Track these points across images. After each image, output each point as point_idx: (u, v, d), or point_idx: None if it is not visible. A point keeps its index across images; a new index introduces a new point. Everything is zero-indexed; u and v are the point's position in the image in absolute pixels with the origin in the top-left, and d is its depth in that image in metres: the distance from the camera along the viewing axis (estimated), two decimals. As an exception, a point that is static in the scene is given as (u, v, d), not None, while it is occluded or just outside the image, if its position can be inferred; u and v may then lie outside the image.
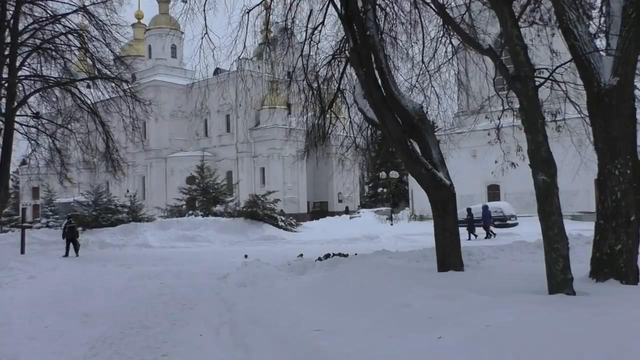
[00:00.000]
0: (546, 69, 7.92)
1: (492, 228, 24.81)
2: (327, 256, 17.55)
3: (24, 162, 31.95)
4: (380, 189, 66.88)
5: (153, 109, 21.03)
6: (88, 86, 24.97)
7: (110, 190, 53.77)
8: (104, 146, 20.97)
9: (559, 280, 7.25)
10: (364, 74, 10.71)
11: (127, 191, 41.32)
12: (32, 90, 19.96)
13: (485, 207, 25.47)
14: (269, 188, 40.03)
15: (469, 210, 25.57)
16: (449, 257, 10.77)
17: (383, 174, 39.81)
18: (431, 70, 15.05)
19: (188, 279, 13.08)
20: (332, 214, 49.50)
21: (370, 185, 73.72)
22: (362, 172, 73.02)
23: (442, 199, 11.00)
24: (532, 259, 12.27)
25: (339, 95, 16.64)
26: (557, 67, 7.87)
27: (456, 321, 4.76)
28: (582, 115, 8.90)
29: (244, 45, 12.71)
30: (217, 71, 51.60)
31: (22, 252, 21.37)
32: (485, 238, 24.27)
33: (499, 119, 14.80)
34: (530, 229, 27.31)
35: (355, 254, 17.55)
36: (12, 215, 41.40)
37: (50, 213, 33.55)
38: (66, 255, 21.42)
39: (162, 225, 28.13)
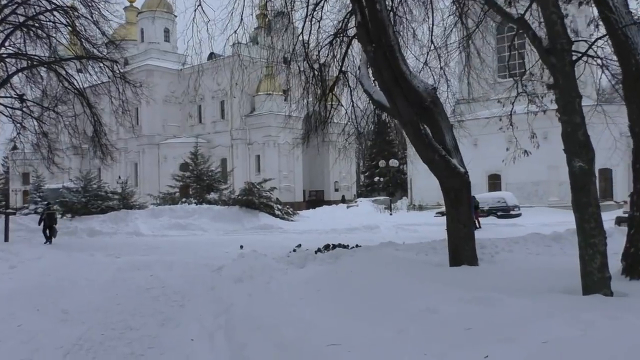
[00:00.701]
0: (585, 40, 7.04)
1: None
2: (326, 247, 16.79)
3: (15, 147, 30.78)
4: (377, 178, 66.03)
5: (144, 92, 20.00)
6: (79, 70, 23.94)
7: (102, 176, 52.71)
8: (92, 130, 19.93)
9: (596, 279, 6.44)
10: (373, 50, 9.79)
11: (119, 177, 40.29)
12: (15, 69, 18.87)
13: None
14: (264, 176, 39.12)
15: None
16: (462, 250, 9.94)
17: (382, 162, 38.85)
18: (441, 51, 14.19)
19: (180, 270, 12.22)
20: (329, 203, 48.72)
21: (366, 174, 72.79)
22: (359, 160, 72.27)
23: (456, 187, 10.15)
24: (549, 252, 11.51)
25: (341, 78, 15.74)
26: (597, 40, 6.99)
27: (502, 334, 3.92)
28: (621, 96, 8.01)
29: (241, 19, 11.73)
30: (211, 56, 50.54)
31: (6, 239, 20.42)
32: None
33: (512, 104, 13.99)
34: (533, 219, 26.65)
35: (357, 246, 16.78)
36: (0, 201, 40.29)
37: (39, 199, 32.43)
38: (47, 242, 20.89)
39: (154, 213, 27.20)
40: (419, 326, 4.59)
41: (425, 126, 10.26)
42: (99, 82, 20.05)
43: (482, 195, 29.59)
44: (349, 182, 56.89)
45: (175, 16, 55.42)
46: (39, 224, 21.57)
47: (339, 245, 16.99)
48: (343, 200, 50.39)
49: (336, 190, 54.07)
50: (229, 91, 50.33)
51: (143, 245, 19.63)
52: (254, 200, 26.27)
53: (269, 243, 19.53)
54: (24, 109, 21.92)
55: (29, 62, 18.45)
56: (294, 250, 15.63)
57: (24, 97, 19.86)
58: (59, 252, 16.77)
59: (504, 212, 27.14)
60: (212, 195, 29.77)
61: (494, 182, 36.12)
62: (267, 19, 15.19)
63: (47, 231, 21.25)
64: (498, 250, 11.63)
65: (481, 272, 9.08)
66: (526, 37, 7.42)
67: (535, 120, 14.32)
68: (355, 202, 39.36)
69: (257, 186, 27.34)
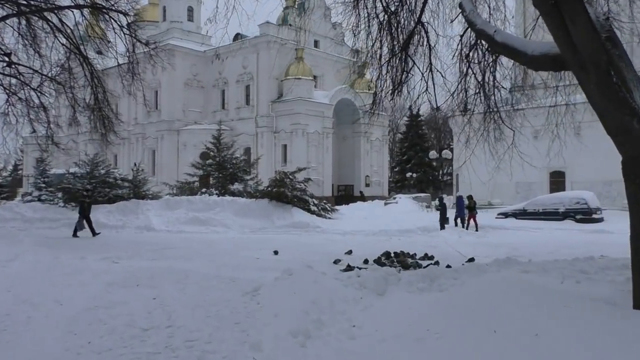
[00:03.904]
0: None
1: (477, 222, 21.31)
2: (387, 256, 13.01)
3: (33, 131, 27.31)
4: (409, 174, 61.50)
5: (159, 55, 16.12)
6: (99, 52, 20.43)
7: (118, 163, 49.25)
8: (91, 95, 16.09)
9: None
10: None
11: (134, 164, 36.66)
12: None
13: (459, 198, 22.15)
14: (291, 167, 35.20)
15: (440, 199, 23.66)
16: (666, 283, 5.88)
17: (433, 154, 34.54)
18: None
19: (197, 290, 8.32)
20: (360, 199, 44.62)
21: (396, 169, 68.25)
22: (392, 152, 67.52)
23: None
24: None
25: (420, 30, 11.71)
26: None
27: None
28: None
29: None
30: (237, 37, 46.68)
31: (-14, 232, 16.85)
32: (463, 228, 21.20)
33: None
34: (619, 225, 22.16)
35: (427, 255, 12.95)
36: (3, 187, 37.03)
37: (44, 185, 28.89)
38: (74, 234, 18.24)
39: (170, 204, 23.39)
40: None
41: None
42: (116, 63, 16.36)
43: (557, 195, 25.31)
44: (380, 177, 52.53)
45: (201, -7, 51.86)
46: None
47: (403, 254, 13.19)
48: (362, 197, 46.07)
49: (367, 185, 49.80)
50: (255, 75, 46.56)
51: (153, 244, 15.83)
52: (286, 192, 22.20)
53: (309, 247, 15.63)
54: (19, 77, 18.31)
55: (17, 9, 14.63)
56: (336, 262, 11.72)
57: (11, 58, 16.07)
58: (42, 253, 13.03)
59: (585, 215, 22.72)
60: (236, 186, 25.88)
61: (557, 180, 31.64)
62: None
63: (84, 222, 18.55)
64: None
65: None
66: None
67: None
68: (394, 198, 35.15)
69: (290, 176, 23.27)
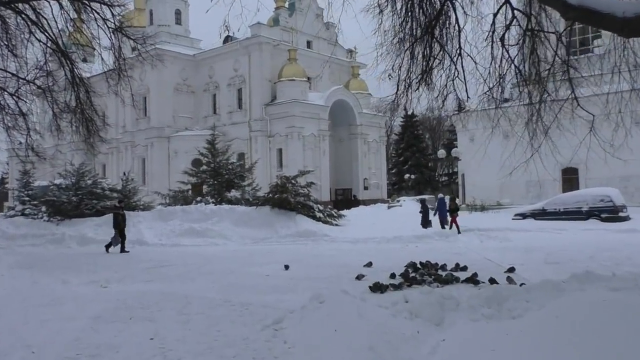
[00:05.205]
0: None
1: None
2: (414, 268, 11.45)
3: (20, 142, 25.58)
4: (407, 176, 60.09)
5: (150, 53, 14.50)
6: (84, 60, 18.85)
7: (106, 174, 47.36)
8: (73, 94, 14.41)
9: None
10: None
11: (124, 174, 34.88)
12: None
13: (441, 199, 21.62)
14: (287, 171, 33.63)
15: (422, 201, 23.59)
16: None
17: (442, 152, 33.10)
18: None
19: (205, 326, 6.71)
20: (356, 203, 43.14)
21: (393, 171, 66.76)
22: (389, 154, 66.23)
23: None
24: None
25: (448, 9, 10.25)
26: None
27: None
28: None
29: None
30: (227, 39, 45.01)
31: (-42, 253, 15.10)
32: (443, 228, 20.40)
33: None
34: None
35: (459, 266, 11.48)
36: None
37: (27, 198, 27.04)
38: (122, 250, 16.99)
39: (163, 215, 21.68)
40: None
41: None
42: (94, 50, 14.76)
43: (579, 192, 23.94)
44: (379, 180, 50.96)
45: (188, -5, 50.43)
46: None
47: (430, 265, 11.63)
48: (356, 200, 44.69)
49: (366, 188, 48.24)
50: (247, 78, 44.96)
51: (146, 262, 14.15)
52: (289, 199, 20.54)
53: (321, 258, 14.03)
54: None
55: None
56: (358, 278, 10.15)
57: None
58: (19, 276, 11.33)
59: (611, 213, 21.31)
60: (234, 193, 24.23)
61: (570, 177, 30.31)
62: None
63: (119, 237, 17.13)
64: None
65: None
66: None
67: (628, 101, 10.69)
68: (398, 201, 33.63)
69: (292, 181, 21.61)
